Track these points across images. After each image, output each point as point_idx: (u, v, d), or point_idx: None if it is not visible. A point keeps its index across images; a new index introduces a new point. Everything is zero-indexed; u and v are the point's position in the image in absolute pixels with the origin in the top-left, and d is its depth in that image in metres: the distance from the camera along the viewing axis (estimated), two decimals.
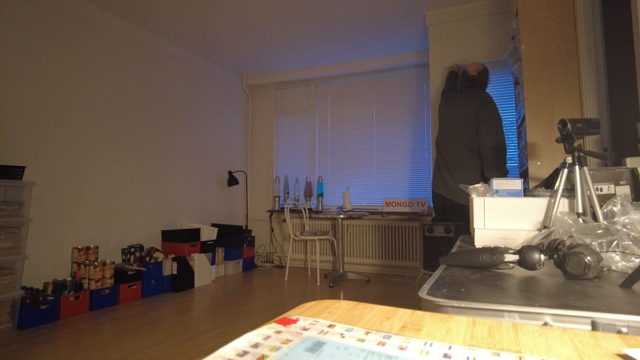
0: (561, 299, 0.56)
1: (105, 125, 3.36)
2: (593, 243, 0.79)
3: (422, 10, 3.39)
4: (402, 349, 0.32)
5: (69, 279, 2.91)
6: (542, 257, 0.72)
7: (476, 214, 1.07)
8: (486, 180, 2.39)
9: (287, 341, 0.33)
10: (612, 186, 1.06)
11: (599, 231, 0.82)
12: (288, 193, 4.88)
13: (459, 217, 2.48)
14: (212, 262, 4.04)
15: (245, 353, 0.30)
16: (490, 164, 2.37)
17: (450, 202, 2.56)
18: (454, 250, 1.07)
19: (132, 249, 3.48)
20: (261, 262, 4.91)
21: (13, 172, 2.51)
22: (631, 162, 1.15)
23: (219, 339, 2.32)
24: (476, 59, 3.28)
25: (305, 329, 0.36)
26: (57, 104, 2.99)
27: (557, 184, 1.02)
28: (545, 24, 2.00)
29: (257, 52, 4.32)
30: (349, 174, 4.67)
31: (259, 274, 4.34)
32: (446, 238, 2.86)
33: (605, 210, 0.91)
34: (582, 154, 1.02)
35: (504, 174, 2.36)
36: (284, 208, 4.20)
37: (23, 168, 2.56)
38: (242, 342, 0.33)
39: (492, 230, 1.06)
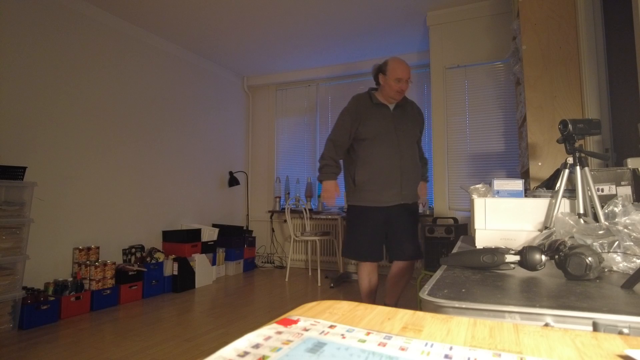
0: (562, 300, 0.56)
1: (106, 126, 3.37)
2: (594, 244, 0.79)
3: (423, 10, 3.39)
4: (403, 349, 0.32)
5: (70, 279, 2.92)
6: (543, 257, 0.72)
7: (477, 215, 1.07)
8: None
9: (288, 342, 0.33)
10: (613, 187, 1.06)
11: (600, 232, 0.82)
12: (289, 193, 4.88)
13: None
14: (213, 263, 4.04)
15: (246, 354, 0.30)
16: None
17: None
18: (454, 250, 1.07)
19: (133, 250, 3.49)
20: (262, 262, 4.91)
21: (14, 173, 2.52)
22: (632, 163, 1.15)
23: (219, 340, 2.32)
24: (477, 60, 3.28)
25: (306, 330, 0.36)
26: (58, 105, 2.99)
27: (558, 185, 1.02)
28: (547, 24, 2.00)
29: (257, 52, 4.33)
30: None
31: (260, 275, 4.34)
32: (447, 239, 2.86)
33: (606, 211, 0.90)
34: (583, 155, 1.01)
35: (320, 165, 2.36)
36: (284, 208, 4.20)
37: (24, 169, 2.57)
38: (243, 342, 0.33)
39: (493, 230, 1.06)
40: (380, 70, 2.29)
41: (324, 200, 2.37)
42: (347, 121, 2.31)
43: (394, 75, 2.20)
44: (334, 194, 2.32)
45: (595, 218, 0.95)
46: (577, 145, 1.04)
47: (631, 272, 0.72)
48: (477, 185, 1.15)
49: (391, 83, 2.21)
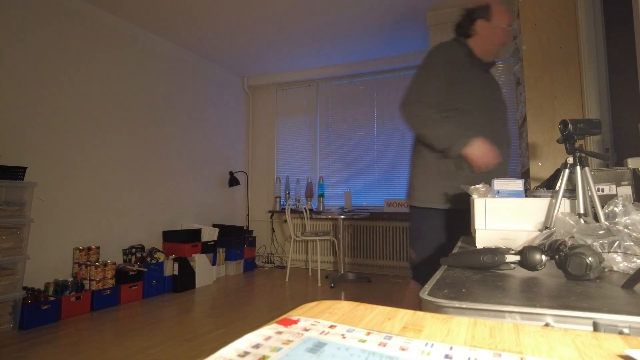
0: (562, 300, 0.55)
1: (106, 126, 3.37)
2: (594, 244, 0.79)
3: (423, 10, 3.39)
4: (403, 349, 0.32)
5: (70, 279, 2.92)
6: (544, 257, 0.72)
7: (477, 215, 1.07)
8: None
9: (288, 342, 0.33)
10: (614, 187, 1.06)
11: (601, 232, 0.82)
12: (289, 193, 4.88)
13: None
14: (213, 263, 4.04)
15: (246, 354, 0.30)
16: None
17: None
18: (455, 250, 1.07)
19: (133, 250, 3.48)
20: (262, 262, 4.91)
21: (15, 173, 2.52)
22: (633, 163, 1.15)
23: (220, 340, 2.32)
24: None
25: (306, 330, 0.36)
26: (58, 105, 2.99)
27: (558, 185, 1.02)
28: (547, 24, 2.00)
29: (257, 52, 4.33)
30: (350, 174, 4.67)
31: (260, 275, 4.34)
32: None
33: (606, 211, 0.90)
34: (583, 155, 1.01)
35: (410, 121, 1.61)
36: (285, 208, 4.20)
37: (24, 169, 2.57)
38: (243, 342, 0.33)
39: (493, 230, 1.06)
40: (478, 15, 1.60)
41: (482, 166, 1.50)
42: (441, 74, 1.55)
43: (503, 19, 1.58)
44: (491, 153, 1.48)
45: (596, 218, 0.95)
46: (577, 145, 1.03)
47: (631, 272, 0.72)
48: (477, 185, 1.15)
49: (498, 32, 1.58)
